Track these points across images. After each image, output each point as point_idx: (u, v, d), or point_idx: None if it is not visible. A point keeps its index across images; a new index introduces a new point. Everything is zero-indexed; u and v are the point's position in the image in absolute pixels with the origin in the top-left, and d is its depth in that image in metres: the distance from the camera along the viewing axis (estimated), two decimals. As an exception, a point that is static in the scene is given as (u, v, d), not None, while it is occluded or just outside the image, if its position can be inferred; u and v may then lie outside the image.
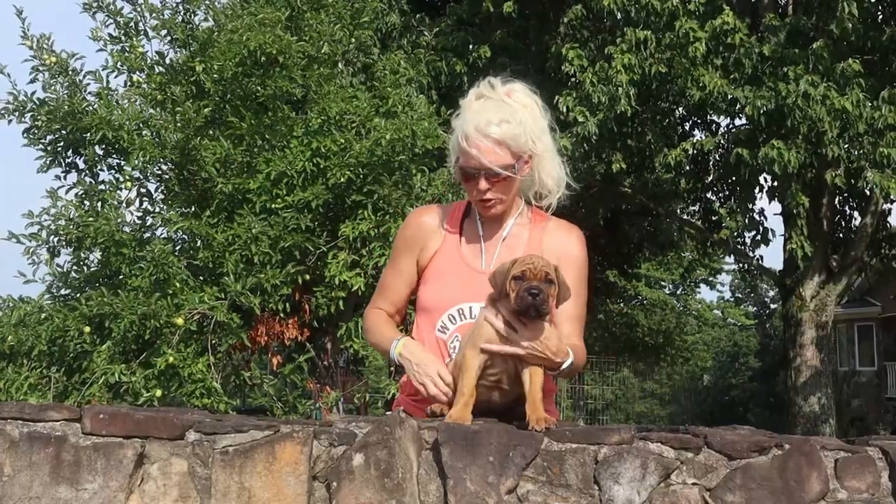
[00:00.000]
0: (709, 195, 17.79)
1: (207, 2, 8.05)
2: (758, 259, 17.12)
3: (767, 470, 2.07)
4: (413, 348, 2.62)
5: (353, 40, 8.38)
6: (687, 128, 16.24)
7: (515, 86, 2.68)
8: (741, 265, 18.63)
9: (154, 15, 7.81)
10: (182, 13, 7.98)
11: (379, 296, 2.89)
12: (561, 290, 2.38)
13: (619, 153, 14.12)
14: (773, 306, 46.39)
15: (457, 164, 2.68)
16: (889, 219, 17.06)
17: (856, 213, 17.28)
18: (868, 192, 15.41)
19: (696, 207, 18.83)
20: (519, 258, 2.39)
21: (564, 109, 12.71)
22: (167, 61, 7.88)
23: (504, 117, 2.58)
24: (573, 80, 13.15)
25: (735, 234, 16.20)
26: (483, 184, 2.62)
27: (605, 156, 13.74)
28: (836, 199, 17.00)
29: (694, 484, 2.06)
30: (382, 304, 2.87)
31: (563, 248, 2.74)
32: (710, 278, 37.17)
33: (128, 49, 7.76)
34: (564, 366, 2.44)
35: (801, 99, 12.05)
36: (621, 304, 29.37)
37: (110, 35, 7.77)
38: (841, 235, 17.47)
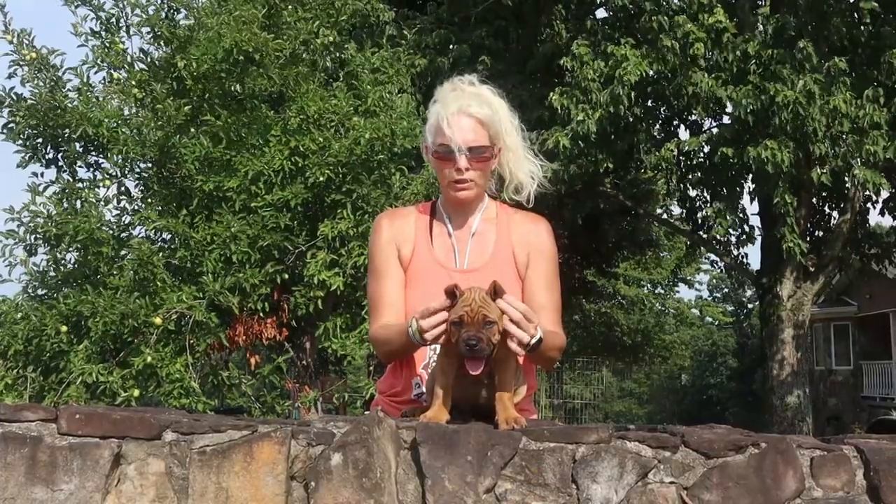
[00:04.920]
0: (695, 195, 17.74)
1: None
2: (742, 257, 17.17)
3: (744, 468, 2.08)
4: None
5: (331, 38, 8.34)
6: (681, 127, 16.23)
7: (486, 86, 2.75)
8: (725, 263, 18.64)
9: (136, 11, 7.76)
10: (165, 10, 7.93)
11: (377, 313, 2.70)
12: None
13: (607, 153, 14.12)
14: (749, 306, 46.61)
15: (434, 145, 2.69)
16: (868, 217, 17.19)
17: (834, 213, 17.37)
18: (847, 191, 15.48)
19: (680, 209, 18.80)
20: (460, 298, 2.27)
21: (558, 107, 12.70)
22: (148, 59, 7.83)
23: (483, 103, 2.68)
24: (573, 76, 13.08)
25: (726, 233, 16.19)
26: (463, 161, 2.63)
27: (593, 155, 13.74)
28: (815, 198, 17.08)
29: (671, 482, 2.07)
30: (384, 316, 2.67)
31: (533, 241, 2.76)
32: (689, 277, 37.38)
33: (108, 45, 7.71)
34: (534, 340, 2.32)
35: (786, 97, 12.08)
36: (599, 304, 29.43)
37: (91, 30, 7.72)
38: (819, 234, 17.56)
